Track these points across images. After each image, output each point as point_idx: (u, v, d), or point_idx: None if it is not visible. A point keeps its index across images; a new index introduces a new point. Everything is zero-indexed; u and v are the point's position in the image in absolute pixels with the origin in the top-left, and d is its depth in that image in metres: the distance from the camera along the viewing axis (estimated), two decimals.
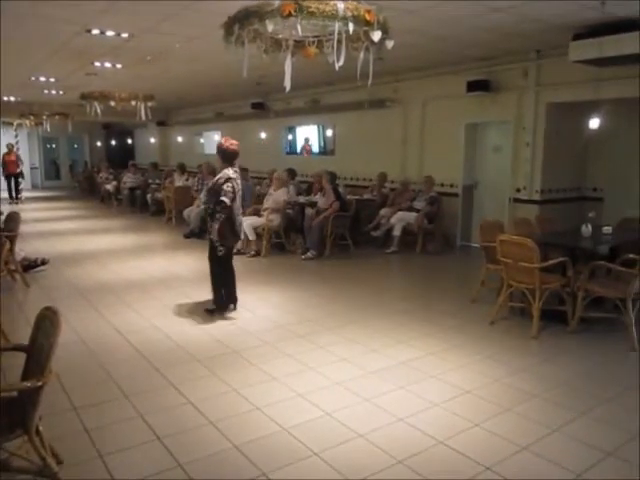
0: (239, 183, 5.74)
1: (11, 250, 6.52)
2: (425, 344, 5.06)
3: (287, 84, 4.08)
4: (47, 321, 2.75)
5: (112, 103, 10.21)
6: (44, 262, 7.94)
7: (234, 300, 6.07)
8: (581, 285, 5.38)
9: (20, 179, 17.83)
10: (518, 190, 9.07)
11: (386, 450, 3.24)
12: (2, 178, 17.78)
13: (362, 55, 4.12)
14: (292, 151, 14.18)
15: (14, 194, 17.48)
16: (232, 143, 5.82)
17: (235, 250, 8.94)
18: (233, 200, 5.62)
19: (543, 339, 5.23)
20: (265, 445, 3.30)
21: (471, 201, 10.13)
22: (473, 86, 9.22)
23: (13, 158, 17.51)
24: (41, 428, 2.79)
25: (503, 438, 3.40)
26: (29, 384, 2.58)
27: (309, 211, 9.49)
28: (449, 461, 3.15)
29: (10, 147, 17.65)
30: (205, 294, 6.25)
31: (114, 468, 3.05)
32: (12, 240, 6.50)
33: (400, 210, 9.70)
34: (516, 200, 9.08)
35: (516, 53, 8.54)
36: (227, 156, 5.74)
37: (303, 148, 13.74)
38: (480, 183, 10.06)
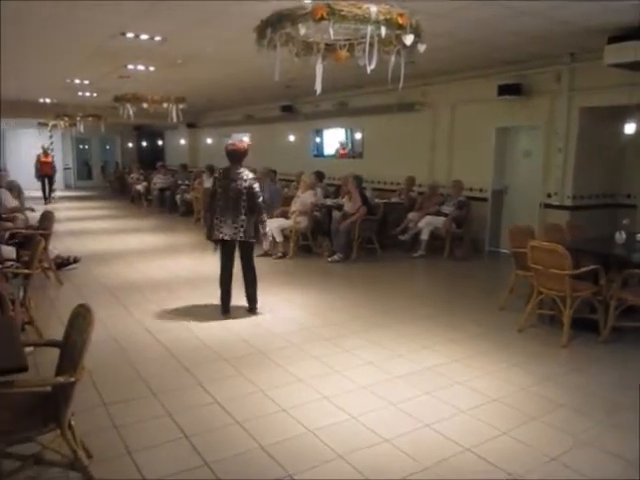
0: (230, 183, 5.74)
1: (45, 248, 6.68)
2: (451, 350, 5.02)
3: (318, 87, 4.10)
4: (80, 318, 2.81)
5: (144, 105, 10.43)
6: (76, 260, 8.12)
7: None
8: (614, 293, 5.27)
9: (53, 179, 18.16)
10: (549, 195, 8.93)
11: (412, 455, 3.23)
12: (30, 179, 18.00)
13: (393, 59, 4.12)
14: (319, 154, 14.21)
15: (47, 194, 17.77)
16: (230, 144, 5.96)
17: (262, 252, 9.12)
18: (212, 199, 5.83)
19: (573, 348, 5.14)
20: (291, 446, 3.31)
21: (500, 206, 10.01)
22: (504, 90, 9.12)
23: (49, 160, 17.66)
24: (73, 423, 2.85)
25: (531, 447, 3.35)
26: (62, 379, 2.64)
27: (336, 214, 9.51)
28: (476, 469, 3.11)
29: (45, 149, 17.83)
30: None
31: (142, 464, 3.10)
32: (46, 238, 6.66)
33: (428, 214, 9.64)
34: (547, 206, 8.94)
35: (549, 57, 8.42)
36: (227, 156, 5.89)
37: (337, 151, 13.67)
38: (510, 188, 9.94)
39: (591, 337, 5.35)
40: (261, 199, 5.81)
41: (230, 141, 5.98)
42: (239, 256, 5.97)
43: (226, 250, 5.89)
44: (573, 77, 8.43)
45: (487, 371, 4.54)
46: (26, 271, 4.97)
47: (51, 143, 19.14)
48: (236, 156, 5.83)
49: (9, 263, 5.22)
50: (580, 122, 8.48)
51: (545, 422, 3.68)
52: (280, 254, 9.15)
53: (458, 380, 4.35)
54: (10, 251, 5.75)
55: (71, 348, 2.83)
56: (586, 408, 3.90)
